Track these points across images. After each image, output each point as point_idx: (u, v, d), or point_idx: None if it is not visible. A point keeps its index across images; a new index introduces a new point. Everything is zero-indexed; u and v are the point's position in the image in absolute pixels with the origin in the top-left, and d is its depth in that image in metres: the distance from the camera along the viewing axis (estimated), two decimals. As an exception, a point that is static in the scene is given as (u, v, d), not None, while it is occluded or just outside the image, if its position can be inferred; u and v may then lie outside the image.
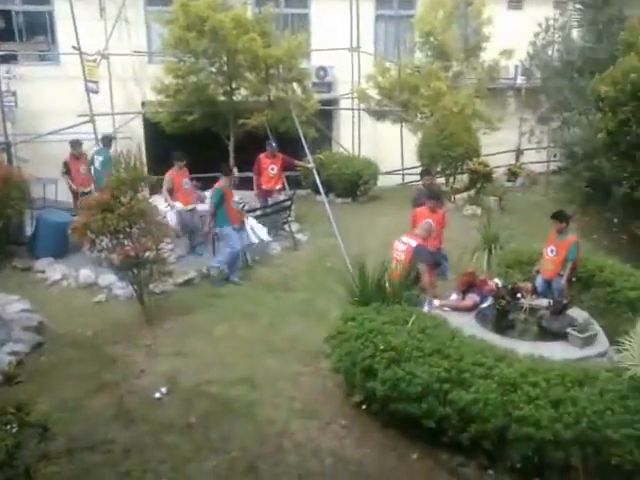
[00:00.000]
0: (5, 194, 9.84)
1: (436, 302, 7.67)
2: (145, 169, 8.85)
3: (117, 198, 8.05)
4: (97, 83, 13.62)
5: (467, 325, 6.94)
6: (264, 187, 12.32)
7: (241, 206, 11.10)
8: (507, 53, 15.77)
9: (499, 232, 9.74)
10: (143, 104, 14.85)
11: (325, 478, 5.65)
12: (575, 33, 16.31)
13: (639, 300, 7.48)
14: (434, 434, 5.75)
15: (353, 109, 16.44)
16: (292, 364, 7.46)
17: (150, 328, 8.39)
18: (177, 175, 10.93)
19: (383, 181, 15.60)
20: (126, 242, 8.19)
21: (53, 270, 10.01)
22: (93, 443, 5.88)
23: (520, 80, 17.72)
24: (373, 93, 15.92)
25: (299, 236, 12.00)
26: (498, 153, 16.67)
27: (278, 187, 12.55)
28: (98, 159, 12.06)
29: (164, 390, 6.86)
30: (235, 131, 13.51)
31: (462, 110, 14.58)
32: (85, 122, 13.32)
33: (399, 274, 7.42)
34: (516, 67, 17.50)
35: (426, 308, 7.57)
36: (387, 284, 7.08)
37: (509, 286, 7.62)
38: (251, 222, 11.00)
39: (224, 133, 13.58)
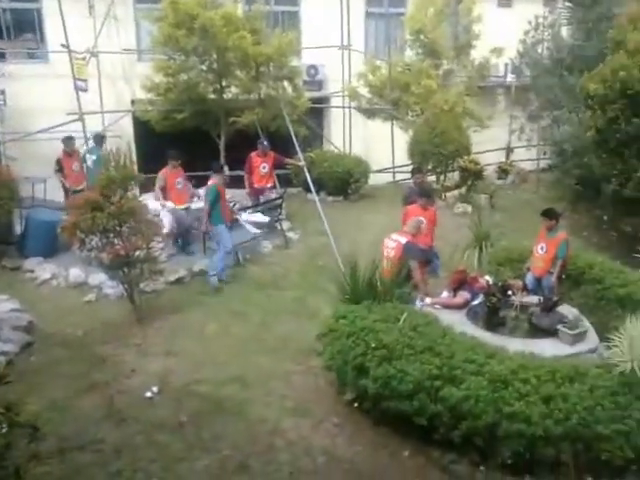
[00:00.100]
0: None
1: (427, 300, 7.69)
2: (135, 167, 8.81)
3: (107, 197, 8.01)
4: (86, 81, 13.53)
5: (458, 322, 6.96)
6: (256, 186, 12.29)
7: (232, 205, 11.08)
8: (497, 51, 15.81)
9: (490, 230, 9.76)
10: (133, 102, 14.77)
11: (317, 476, 5.66)
12: (564, 31, 16.36)
13: (628, 297, 7.53)
14: (426, 431, 5.77)
15: (344, 107, 16.42)
16: (284, 362, 7.45)
17: (141, 327, 8.37)
18: (170, 174, 10.86)
19: (374, 179, 15.58)
20: (116, 241, 8.15)
21: (43, 269, 9.95)
22: (83, 443, 5.86)
23: (510, 78, 17.76)
24: (364, 91, 15.90)
25: (290, 234, 11.98)
26: (488, 151, 16.70)
27: (269, 185, 12.54)
28: (91, 158, 12.00)
29: (155, 389, 6.85)
30: (226, 129, 13.47)
31: (453, 108, 14.59)
32: (74, 120, 13.23)
33: (390, 271, 7.43)
34: (506, 65, 17.54)
35: (418, 304, 7.58)
36: (378, 282, 7.09)
37: (500, 283, 7.64)
38: (245, 217, 11.06)
39: (215, 131, 13.53)
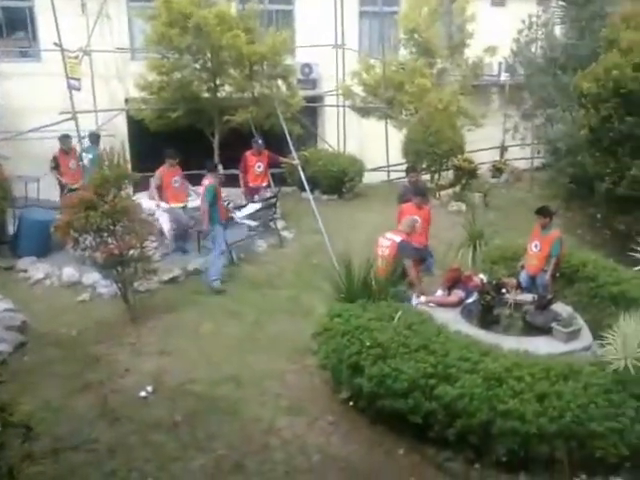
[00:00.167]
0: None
1: (422, 298, 7.70)
2: (129, 166, 8.78)
3: (100, 196, 7.98)
4: (79, 80, 13.45)
5: (453, 321, 6.97)
6: (251, 185, 12.25)
7: (226, 203, 11.07)
8: (491, 50, 15.80)
9: (484, 228, 9.78)
10: (126, 101, 14.73)
11: (312, 475, 5.66)
12: (558, 30, 16.42)
13: (622, 295, 7.56)
14: (421, 429, 5.78)
15: (338, 106, 16.41)
16: (278, 362, 7.45)
17: (135, 326, 8.34)
18: (167, 173, 10.82)
19: (368, 178, 15.58)
20: (110, 240, 8.12)
21: (36, 269, 9.90)
22: (77, 443, 5.83)
23: (504, 77, 17.79)
24: (358, 90, 15.89)
25: (285, 233, 11.96)
26: (482, 150, 16.75)
27: (264, 184, 12.51)
28: (87, 157, 11.98)
29: (149, 389, 6.83)
30: (220, 128, 13.44)
31: (447, 107, 14.60)
32: (67, 119, 13.18)
33: (384, 270, 7.44)
34: (500, 64, 17.56)
35: (414, 301, 7.59)
36: (373, 281, 7.09)
37: (494, 282, 7.67)
38: (240, 214, 11.13)
39: (208, 130, 13.50)
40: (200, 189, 9.95)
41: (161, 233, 10.43)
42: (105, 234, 8.09)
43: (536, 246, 8.27)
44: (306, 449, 5.94)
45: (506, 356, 5.90)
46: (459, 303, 7.58)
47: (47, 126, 12.82)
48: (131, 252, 8.17)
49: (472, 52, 16.00)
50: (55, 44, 12.95)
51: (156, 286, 9.41)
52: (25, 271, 9.96)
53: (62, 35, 12.85)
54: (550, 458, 5.38)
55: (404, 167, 12.66)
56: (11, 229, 10.81)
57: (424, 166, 14.50)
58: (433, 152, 14.18)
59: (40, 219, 10.28)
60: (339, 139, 16.40)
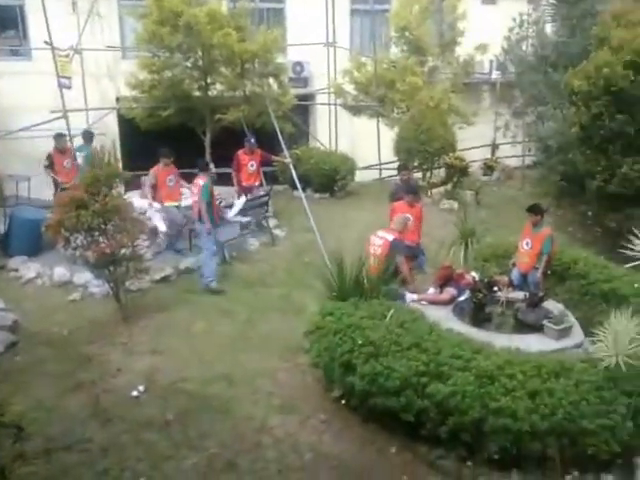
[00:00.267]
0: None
1: (414, 296, 7.71)
2: (120, 165, 8.75)
3: (92, 194, 7.95)
4: (70, 79, 13.39)
5: (445, 319, 6.98)
6: (244, 184, 12.21)
7: (218, 202, 11.04)
8: (482, 48, 15.85)
9: (475, 226, 9.79)
10: (117, 100, 14.67)
11: (305, 473, 5.66)
12: (549, 28, 16.48)
13: (613, 292, 7.60)
14: (413, 427, 5.79)
15: (330, 104, 16.41)
16: (271, 360, 7.44)
17: (126, 326, 8.32)
18: (162, 172, 10.75)
19: (360, 176, 15.59)
20: (101, 239, 8.09)
21: (27, 268, 9.86)
22: (70, 443, 5.83)
23: (495, 75, 17.83)
24: (349, 88, 15.90)
25: (277, 232, 11.96)
26: (474, 147, 16.80)
27: (257, 183, 12.48)
28: (80, 155, 11.92)
29: (141, 388, 6.81)
30: (211, 126, 13.41)
31: (438, 105, 14.62)
32: (58, 118, 13.11)
33: (376, 268, 7.44)
34: (491, 62, 17.61)
35: (408, 297, 7.60)
36: (365, 279, 7.10)
37: (486, 279, 7.68)
38: (231, 213, 11.18)
39: (200, 129, 13.46)
40: (194, 188, 9.87)
41: (153, 232, 10.39)
42: (96, 233, 8.05)
43: (527, 244, 8.30)
44: (298, 447, 5.94)
45: (498, 354, 5.91)
46: (451, 301, 7.60)
47: (38, 125, 12.76)
48: (123, 251, 8.14)
49: (463, 50, 16.05)
50: (46, 42, 12.88)
51: (148, 285, 9.40)
52: (16, 270, 9.92)
53: (53, 33, 12.77)
54: (542, 455, 5.41)
55: (396, 165, 12.68)
56: (2, 228, 10.74)
57: (416, 164, 14.50)
58: (425, 150, 14.19)
59: (31, 218, 10.23)
60: (331, 137, 16.40)
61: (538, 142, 14.44)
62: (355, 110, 16.15)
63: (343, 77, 15.75)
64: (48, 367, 7.22)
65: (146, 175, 11.31)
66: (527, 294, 7.46)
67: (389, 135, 15.43)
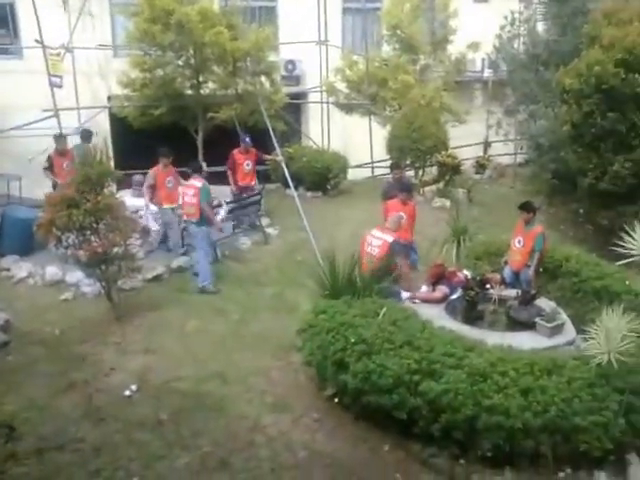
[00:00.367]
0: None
1: (407, 294, 7.71)
2: (112, 164, 8.71)
3: (83, 193, 7.91)
4: (61, 77, 13.34)
5: (437, 316, 6.99)
6: (240, 183, 12.16)
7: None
8: (474, 46, 15.89)
9: (468, 224, 9.82)
10: (109, 98, 14.62)
11: (298, 471, 5.66)
12: (540, 26, 16.50)
13: (604, 289, 7.63)
14: (405, 425, 5.80)
15: (322, 102, 16.41)
16: (263, 359, 7.44)
17: (119, 325, 8.29)
18: (161, 173, 10.55)
19: (353, 174, 15.60)
20: (93, 238, 8.05)
21: (19, 268, 9.82)
22: (62, 442, 5.81)
23: (487, 73, 17.89)
24: (341, 86, 15.91)
25: (269, 230, 11.94)
26: (466, 146, 16.82)
27: (253, 183, 12.43)
28: (78, 154, 11.84)
29: (134, 387, 6.80)
30: (203, 125, 13.38)
31: (430, 103, 14.63)
32: (49, 117, 13.06)
33: (373, 268, 7.42)
34: (483, 60, 17.65)
35: (404, 295, 7.60)
36: (357, 277, 7.09)
37: (478, 277, 7.69)
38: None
39: (192, 127, 13.44)
40: (187, 190, 9.74)
41: (145, 231, 10.36)
42: (88, 232, 8.02)
43: (519, 242, 8.32)
44: (291, 446, 5.94)
45: (490, 351, 5.93)
46: (443, 299, 7.60)
47: (29, 124, 12.70)
48: (115, 250, 8.11)
49: (455, 48, 16.08)
50: (37, 41, 12.83)
51: (140, 284, 9.38)
52: (8, 270, 9.88)
53: (44, 32, 12.73)
54: (535, 452, 5.43)
55: (388, 163, 12.69)
56: (-7, 228, 10.71)
57: (408, 162, 14.51)
58: (417, 148, 14.19)
59: (23, 217, 10.18)
60: (323, 136, 16.39)
61: (530, 140, 14.46)
62: (347, 108, 16.15)
63: (335, 75, 15.76)
64: (40, 367, 7.19)
65: (138, 174, 11.27)
66: (519, 292, 7.48)
67: (381, 133, 15.44)
